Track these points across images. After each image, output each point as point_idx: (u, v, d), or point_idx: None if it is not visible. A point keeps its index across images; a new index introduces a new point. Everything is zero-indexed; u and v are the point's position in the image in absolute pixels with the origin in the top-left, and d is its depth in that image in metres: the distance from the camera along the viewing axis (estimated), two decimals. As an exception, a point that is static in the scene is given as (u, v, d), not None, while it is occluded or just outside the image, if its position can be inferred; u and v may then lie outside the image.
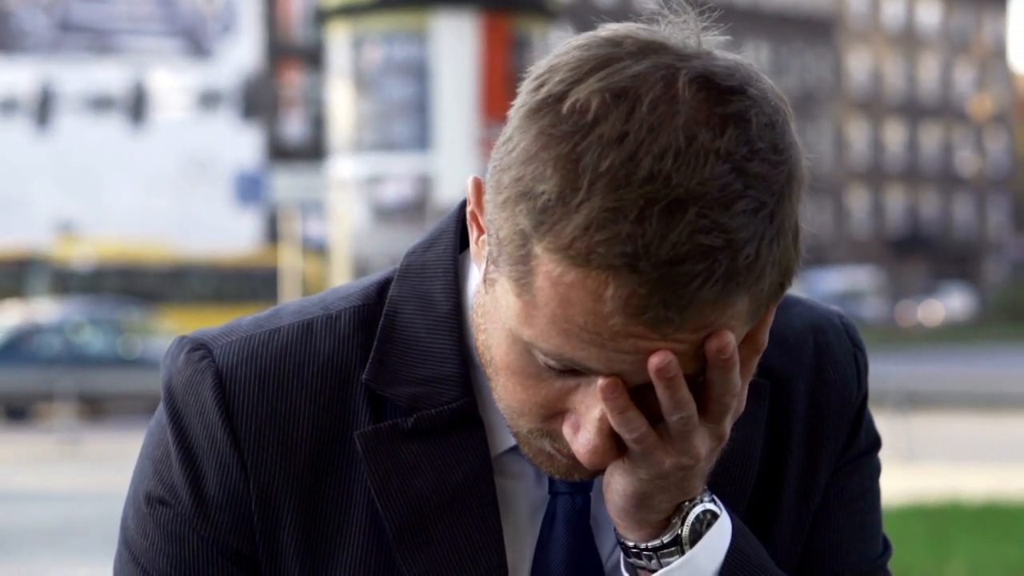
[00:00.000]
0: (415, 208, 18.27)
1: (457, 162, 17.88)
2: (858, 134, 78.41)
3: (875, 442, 1.63)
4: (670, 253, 1.28)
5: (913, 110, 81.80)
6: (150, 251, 44.08)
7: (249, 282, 44.24)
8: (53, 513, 13.58)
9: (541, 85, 1.35)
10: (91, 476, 16.37)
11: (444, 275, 1.52)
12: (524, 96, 1.36)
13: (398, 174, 18.29)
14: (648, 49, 1.34)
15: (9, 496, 14.89)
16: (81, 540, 12.07)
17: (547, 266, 1.31)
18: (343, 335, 1.51)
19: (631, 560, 1.45)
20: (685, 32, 1.37)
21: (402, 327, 1.51)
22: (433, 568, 1.46)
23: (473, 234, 1.44)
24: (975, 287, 75.48)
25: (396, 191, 18.38)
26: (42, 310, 27.81)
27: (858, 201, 77.86)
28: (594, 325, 1.31)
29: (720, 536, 1.44)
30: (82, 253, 40.71)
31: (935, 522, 10.95)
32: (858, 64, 79.97)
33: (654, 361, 1.32)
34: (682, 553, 1.42)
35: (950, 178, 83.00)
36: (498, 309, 1.38)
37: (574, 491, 1.49)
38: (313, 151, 50.80)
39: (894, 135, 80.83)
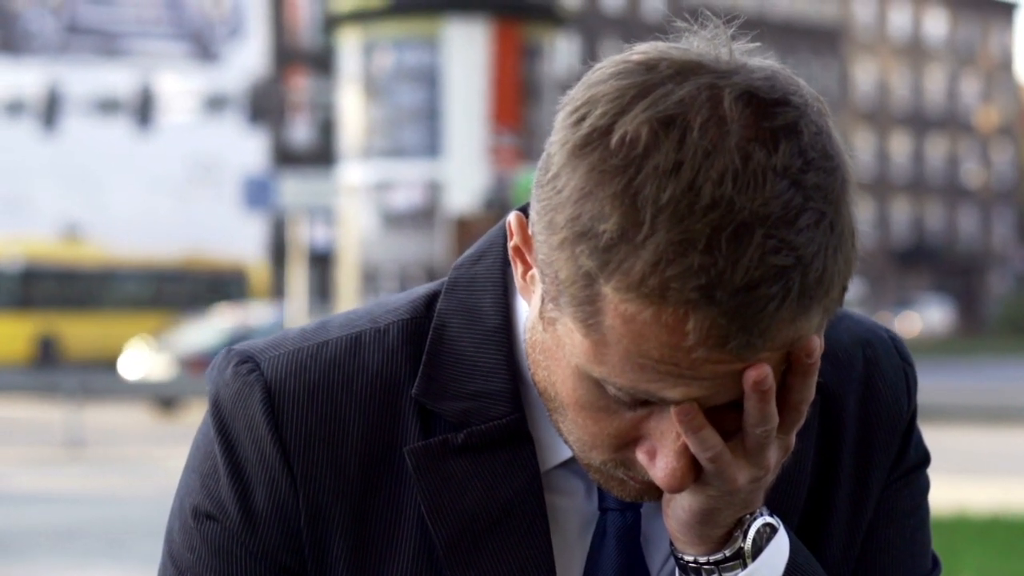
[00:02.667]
0: (424, 215, 18.28)
1: (467, 169, 17.90)
2: (863, 145, 78.43)
3: (924, 458, 1.62)
4: (744, 279, 1.27)
5: (919, 121, 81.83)
6: (83, 252, 43.09)
7: (190, 285, 43.63)
8: (57, 515, 13.58)
9: (582, 119, 1.33)
10: (95, 479, 16.36)
11: (493, 289, 1.50)
12: (565, 132, 1.34)
13: (408, 180, 18.30)
14: (686, 70, 1.32)
15: (15, 498, 14.88)
16: (84, 542, 12.06)
17: (618, 305, 1.29)
18: (392, 348, 1.49)
19: None
20: (715, 45, 1.35)
21: (451, 341, 1.49)
22: None
23: (518, 269, 1.42)
24: (962, 299, 75.41)
25: (405, 197, 18.38)
26: (254, 314, 29.90)
27: (863, 212, 75.53)
28: (671, 357, 1.30)
29: (779, 551, 1.43)
30: (10, 254, 40.25)
31: (942, 535, 10.93)
32: (864, 75, 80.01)
33: (752, 375, 1.31)
34: (744, 567, 1.42)
35: (955, 190, 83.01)
36: (561, 347, 1.36)
37: (624, 507, 1.48)
38: (319, 156, 50.85)
39: (900, 146, 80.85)
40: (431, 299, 1.53)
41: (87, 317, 40.33)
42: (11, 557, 11.55)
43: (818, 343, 1.33)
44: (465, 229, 17.97)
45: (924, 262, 79.55)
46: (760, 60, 1.35)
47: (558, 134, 1.35)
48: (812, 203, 1.29)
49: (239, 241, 51.65)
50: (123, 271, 43.01)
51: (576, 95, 1.35)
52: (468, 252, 1.56)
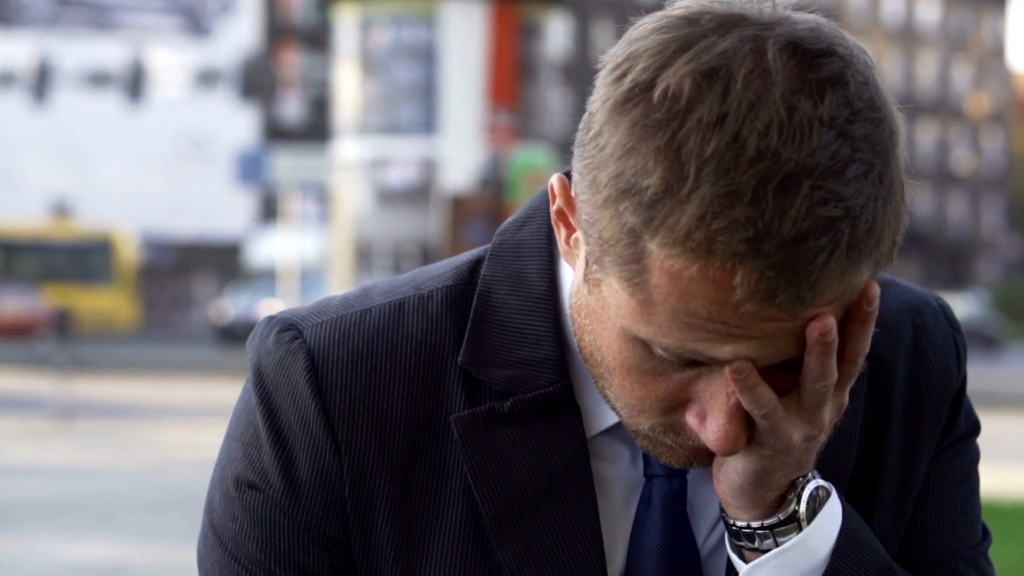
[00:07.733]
0: (419, 192, 18.25)
1: (463, 147, 17.87)
2: (855, 129, 78.49)
3: (974, 427, 1.60)
4: (792, 231, 1.24)
5: (910, 107, 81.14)
6: None
7: (47, 257, 41.71)
8: (49, 488, 13.57)
9: (624, 74, 1.30)
10: (86, 452, 16.36)
11: (539, 255, 1.47)
12: (606, 88, 1.31)
13: (403, 158, 18.26)
14: (729, 23, 1.30)
15: (6, 470, 14.88)
16: (75, 516, 12.06)
17: (664, 262, 1.27)
18: (436, 315, 1.47)
19: (741, 542, 1.41)
20: None
21: (496, 308, 1.47)
22: (529, 554, 1.43)
23: (561, 233, 1.40)
24: (950, 286, 75.57)
25: (401, 175, 18.34)
26: None
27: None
28: (719, 314, 1.27)
29: (833, 514, 1.41)
30: None
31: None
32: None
33: (817, 326, 1.28)
34: (799, 530, 1.39)
35: (945, 176, 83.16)
36: (606, 309, 1.34)
37: (670, 474, 1.46)
38: (310, 132, 50.82)
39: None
40: (475, 265, 1.50)
41: None
42: (2, 529, 11.54)
43: (878, 290, 1.31)
44: (460, 207, 17.94)
45: (913, 248, 79.70)
46: (804, 13, 1.33)
47: (599, 91, 1.32)
48: (860, 154, 1.27)
49: (230, 216, 51.58)
50: None
51: (617, 51, 1.33)
52: (512, 218, 1.53)
